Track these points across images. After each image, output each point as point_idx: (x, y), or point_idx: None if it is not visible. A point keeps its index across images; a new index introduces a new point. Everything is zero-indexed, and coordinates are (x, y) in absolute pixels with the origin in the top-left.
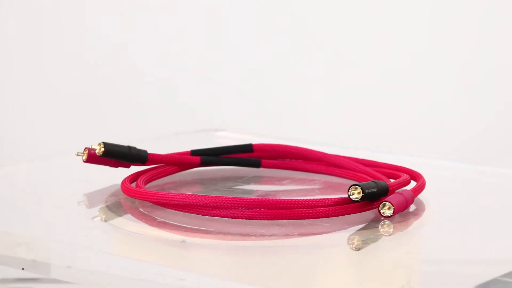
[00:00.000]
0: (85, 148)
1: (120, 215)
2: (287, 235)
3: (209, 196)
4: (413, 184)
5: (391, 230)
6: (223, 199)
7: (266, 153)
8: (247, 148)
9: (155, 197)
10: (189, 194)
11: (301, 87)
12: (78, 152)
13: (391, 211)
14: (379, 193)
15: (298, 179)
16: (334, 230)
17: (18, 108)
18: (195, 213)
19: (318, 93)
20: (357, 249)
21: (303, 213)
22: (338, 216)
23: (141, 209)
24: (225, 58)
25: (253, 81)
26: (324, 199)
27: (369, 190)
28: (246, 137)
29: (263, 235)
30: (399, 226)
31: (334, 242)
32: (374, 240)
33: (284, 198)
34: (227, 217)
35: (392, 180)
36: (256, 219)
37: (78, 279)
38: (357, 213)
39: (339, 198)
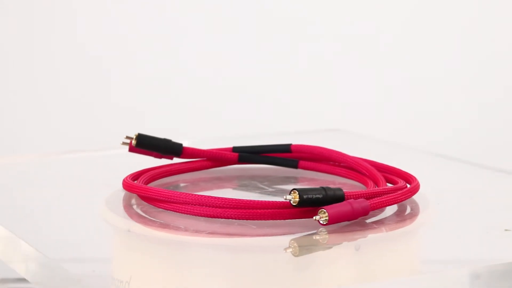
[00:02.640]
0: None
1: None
2: (197, 232)
3: (159, 190)
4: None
5: (326, 238)
6: (167, 193)
7: (302, 154)
8: (286, 148)
9: (138, 190)
10: (148, 187)
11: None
12: (123, 142)
13: (326, 219)
14: (325, 200)
15: (320, 181)
16: (259, 233)
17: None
18: (154, 205)
19: None
20: (295, 255)
21: (235, 213)
22: (269, 219)
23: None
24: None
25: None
26: (265, 201)
27: (309, 196)
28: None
29: (178, 229)
30: (389, 227)
31: (249, 244)
32: (309, 247)
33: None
34: (173, 210)
35: (390, 185)
36: (194, 214)
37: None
38: (297, 218)
39: (282, 202)
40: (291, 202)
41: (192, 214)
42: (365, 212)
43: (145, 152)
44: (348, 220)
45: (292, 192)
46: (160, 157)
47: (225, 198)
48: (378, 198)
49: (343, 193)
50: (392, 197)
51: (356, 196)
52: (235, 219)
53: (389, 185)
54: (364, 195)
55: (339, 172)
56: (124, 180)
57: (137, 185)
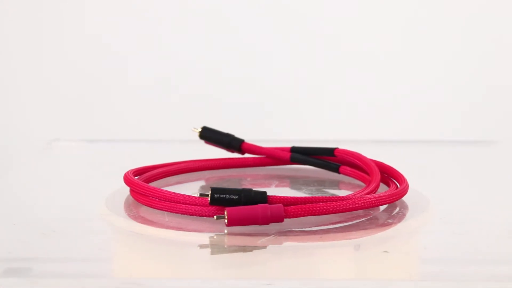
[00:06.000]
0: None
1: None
2: (120, 215)
3: (135, 182)
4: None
5: (224, 239)
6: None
7: (345, 159)
8: (329, 152)
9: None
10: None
11: None
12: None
13: (226, 220)
14: (240, 201)
15: (344, 185)
16: (168, 226)
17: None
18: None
19: None
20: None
21: (158, 204)
22: (184, 214)
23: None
24: None
25: None
26: (185, 195)
27: (220, 196)
28: None
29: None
30: (378, 227)
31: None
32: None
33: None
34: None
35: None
36: (141, 203)
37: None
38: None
39: (202, 198)
40: (209, 200)
41: (139, 202)
42: (277, 218)
43: (214, 144)
44: (257, 224)
45: (210, 190)
46: (233, 151)
47: (160, 190)
48: (300, 205)
49: (265, 197)
50: (319, 206)
51: (277, 202)
52: (159, 210)
53: None
54: (291, 200)
55: (360, 177)
56: (125, 174)
57: (132, 180)
